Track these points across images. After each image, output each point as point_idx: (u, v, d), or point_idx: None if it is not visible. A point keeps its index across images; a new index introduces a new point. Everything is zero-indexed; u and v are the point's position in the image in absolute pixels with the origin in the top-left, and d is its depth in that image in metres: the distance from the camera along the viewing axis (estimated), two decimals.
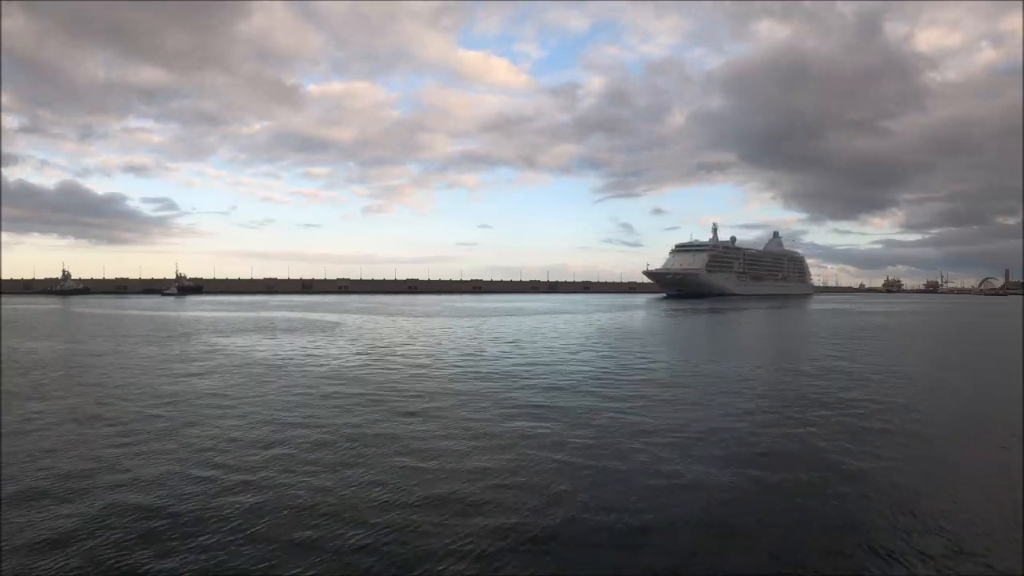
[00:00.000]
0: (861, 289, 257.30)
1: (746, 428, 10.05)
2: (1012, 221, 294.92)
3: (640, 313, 52.75)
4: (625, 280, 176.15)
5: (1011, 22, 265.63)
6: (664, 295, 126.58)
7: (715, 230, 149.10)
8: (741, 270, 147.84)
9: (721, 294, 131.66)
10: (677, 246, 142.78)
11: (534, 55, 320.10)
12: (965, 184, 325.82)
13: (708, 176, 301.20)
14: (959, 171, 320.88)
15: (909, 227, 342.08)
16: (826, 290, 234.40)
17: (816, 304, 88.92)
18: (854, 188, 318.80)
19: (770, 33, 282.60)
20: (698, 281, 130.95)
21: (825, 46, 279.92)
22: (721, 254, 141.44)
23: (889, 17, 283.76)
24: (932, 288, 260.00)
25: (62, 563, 5.22)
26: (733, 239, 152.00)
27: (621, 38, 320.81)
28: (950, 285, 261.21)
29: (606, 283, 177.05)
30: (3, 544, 5.55)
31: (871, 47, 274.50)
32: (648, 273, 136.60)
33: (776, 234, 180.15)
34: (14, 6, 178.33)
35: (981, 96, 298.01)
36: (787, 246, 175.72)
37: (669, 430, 9.80)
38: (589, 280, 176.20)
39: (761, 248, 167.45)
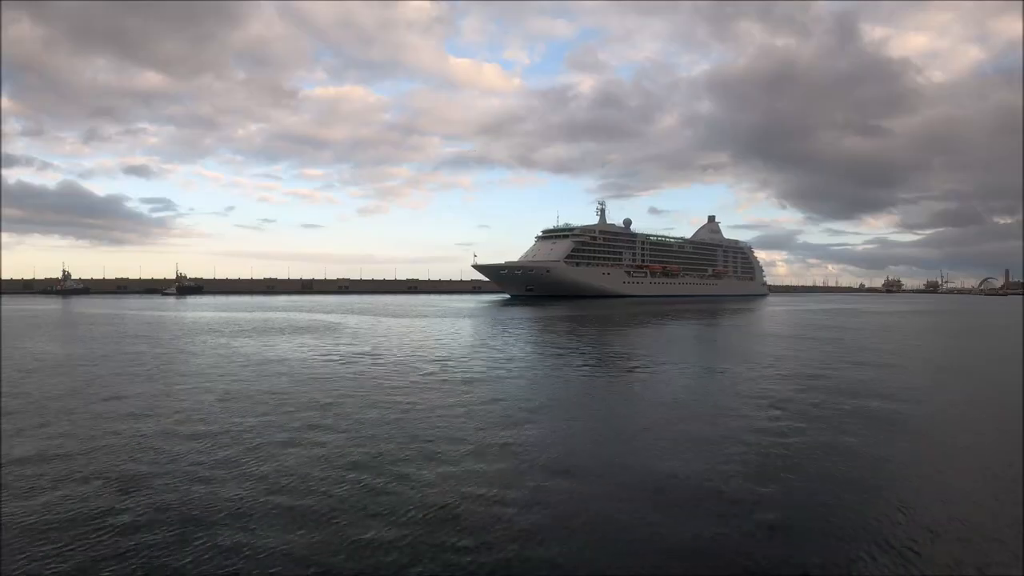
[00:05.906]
0: (861, 289, 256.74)
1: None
2: (1010, 220, 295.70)
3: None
4: None
5: (998, 24, 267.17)
6: (509, 296, 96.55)
7: (601, 212, 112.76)
8: (637, 262, 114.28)
9: (597, 295, 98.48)
10: (543, 231, 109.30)
11: (524, 62, 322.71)
12: (961, 184, 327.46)
13: (703, 176, 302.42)
14: (954, 171, 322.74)
15: (906, 227, 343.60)
16: (818, 290, 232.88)
17: (776, 306, 72.85)
18: (849, 188, 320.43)
19: (749, 35, 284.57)
20: (553, 278, 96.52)
21: (806, 49, 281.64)
22: (598, 241, 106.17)
23: (866, 18, 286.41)
24: (932, 288, 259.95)
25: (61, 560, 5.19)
26: (627, 222, 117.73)
27: (608, 44, 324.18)
28: (950, 285, 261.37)
29: None
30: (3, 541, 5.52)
31: (851, 50, 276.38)
32: (479, 267, 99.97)
33: (712, 218, 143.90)
34: (20, 12, 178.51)
35: (970, 97, 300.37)
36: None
37: None
38: None
39: (690, 236, 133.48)
